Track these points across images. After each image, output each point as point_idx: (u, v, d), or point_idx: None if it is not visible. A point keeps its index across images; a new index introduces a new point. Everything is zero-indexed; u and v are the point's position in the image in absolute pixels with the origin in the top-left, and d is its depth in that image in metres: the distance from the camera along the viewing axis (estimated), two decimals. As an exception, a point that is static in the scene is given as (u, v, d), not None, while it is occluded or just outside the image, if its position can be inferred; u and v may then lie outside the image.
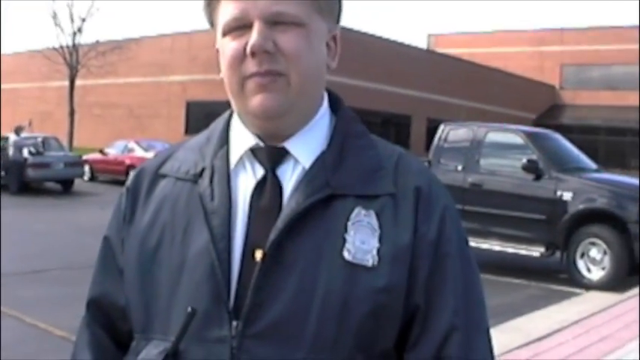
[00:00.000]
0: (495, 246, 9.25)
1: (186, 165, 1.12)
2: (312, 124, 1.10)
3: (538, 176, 8.94)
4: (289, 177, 1.07)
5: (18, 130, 18.93)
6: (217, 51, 1.10)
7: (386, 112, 31.82)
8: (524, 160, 8.98)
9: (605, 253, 8.34)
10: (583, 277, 8.46)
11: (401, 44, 34.44)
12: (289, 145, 1.08)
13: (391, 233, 1.03)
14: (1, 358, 5.00)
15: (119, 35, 35.03)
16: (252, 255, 1.02)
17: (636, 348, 5.39)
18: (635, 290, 7.76)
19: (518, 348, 5.34)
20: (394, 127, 32.81)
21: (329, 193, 1.03)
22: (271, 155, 1.08)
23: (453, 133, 10.09)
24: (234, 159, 1.10)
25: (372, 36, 31.92)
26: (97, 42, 31.37)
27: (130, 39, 33.35)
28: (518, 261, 9.52)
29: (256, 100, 1.04)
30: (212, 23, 1.11)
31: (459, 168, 9.63)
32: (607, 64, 43.43)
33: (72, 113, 30.40)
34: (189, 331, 1.01)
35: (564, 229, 8.59)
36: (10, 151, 18.08)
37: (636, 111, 38.53)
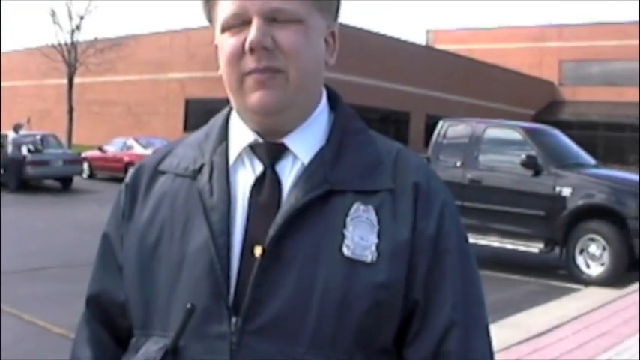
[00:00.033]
0: (494, 242, 9.25)
1: (186, 161, 1.12)
2: (311, 121, 1.10)
3: (537, 172, 8.94)
4: (288, 173, 1.07)
5: (17, 128, 18.89)
6: (216, 47, 1.09)
7: (385, 109, 31.82)
8: (523, 156, 8.98)
9: (604, 248, 8.34)
10: (582, 272, 8.46)
11: (399, 40, 34.44)
12: (288, 141, 1.08)
13: (390, 229, 1.03)
14: (1, 357, 5.00)
15: (117, 33, 35.24)
16: (252, 251, 1.02)
17: (636, 343, 5.39)
18: (634, 286, 7.77)
19: (517, 344, 5.35)
20: (393, 123, 32.82)
21: (328, 189, 1.03)
22: (270, 151, 1.08)
23: (451, 129, 10.09)
24: (233, 155, 1.10)
25: (370, 32, 31.90)
26: (96, 40, 31.44)
27: (128, 36, 33.39)
28: (518, 257, 9.52)
29: (255, 97, 1.04)
30: (211, 20, 1.11)
31: (458, 164, 9.63)
32: (606, 60, 43.41)
33: (70, 111, 30.42)
34: (189, 327, 1.01)
35: (563, 225, 8.59)
36: (9, 149, 18.05)
37: (635, 107, 38.52)
